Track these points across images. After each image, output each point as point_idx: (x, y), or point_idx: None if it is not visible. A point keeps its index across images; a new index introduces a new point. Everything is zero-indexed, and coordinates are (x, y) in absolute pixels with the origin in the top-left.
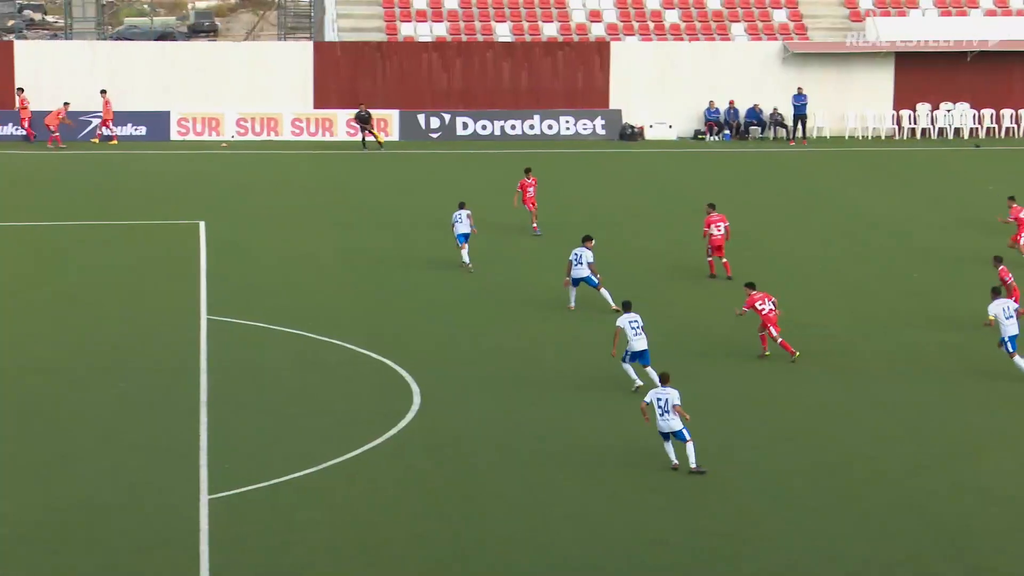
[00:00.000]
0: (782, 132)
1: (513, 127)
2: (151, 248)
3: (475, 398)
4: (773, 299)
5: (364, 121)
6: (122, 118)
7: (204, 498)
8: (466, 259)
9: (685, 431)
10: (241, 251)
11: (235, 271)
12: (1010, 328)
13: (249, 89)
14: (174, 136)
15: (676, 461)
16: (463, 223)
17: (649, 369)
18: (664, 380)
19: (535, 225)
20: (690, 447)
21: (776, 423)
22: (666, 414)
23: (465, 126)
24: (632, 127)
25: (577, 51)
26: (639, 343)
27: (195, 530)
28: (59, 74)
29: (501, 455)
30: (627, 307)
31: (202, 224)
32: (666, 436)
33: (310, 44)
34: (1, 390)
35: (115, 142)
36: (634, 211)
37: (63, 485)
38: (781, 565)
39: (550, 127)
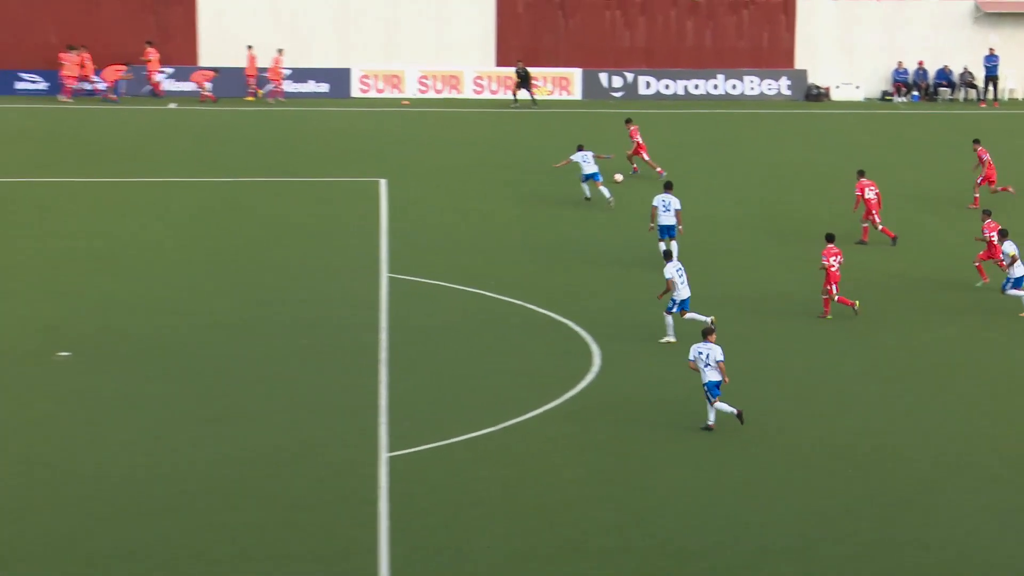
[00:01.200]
0: (972, 93)
1: (696, 87)
2: (333, 205)
3: (655, 361)
4: (841, 259)
5: (522, 78)
6: (304, 75)
7: (383, 455)
8: (607, 195)
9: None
10: (421, 209)
11: (415, 229)
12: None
13: (431, 46)
14: (355, 93)
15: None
16: (589, 163)
17: (690, 314)
18: (708, 334)
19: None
20: (721, 405)
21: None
22: (709, 366)
23: (648, 85)
24: (818, 88)
25: (762, 9)
26: (684, 291)
27: (373, 487)
28: (241, 29)
29: (680, 420)
30: (668, 256)
31: (383, 182)
32: (711, 390)
33: (492, 1)
34: (185, 345)
35: (251, 99)
36: (818, 172)
37: (244, 439)
38: None
39: (734, 87)
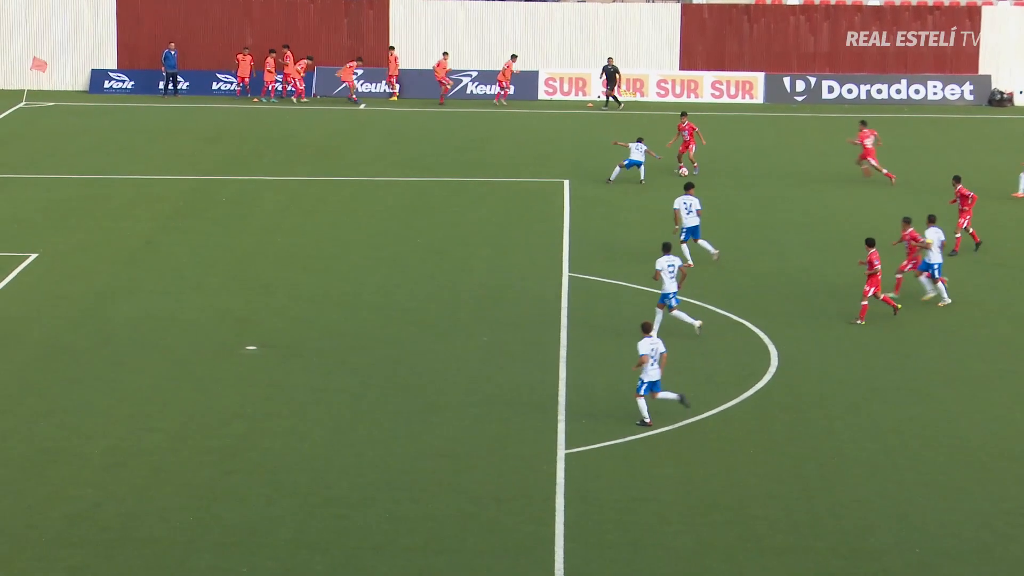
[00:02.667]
0: None
1: (879, 91)
2: (517, 205)
3: (833, 362)
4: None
5: (611, 76)
6: (491, 77)
7: (561, 452)
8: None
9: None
10: (604, 209)
11: (597, 229)
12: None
13: (616, 50)
14: (541, 96)
15: (647, 415)
16: (639, 152)
17: (676, 312)
18: (648, 330)
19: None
20: (667, 393)
21: None
22: (655, 363)
23: (831, 90)
24: (1001, 93)
25: (947, 15)
26: (671, 286)
27: (552, 483)
28: (431, 32)
29: (859, 419)
30: (667, 248)
31: (566, 183)
32: (651, 387)
33: (677, 6)
34: (371, 340)
35: (394, 98)
36: (998, 177)
37: (427, 434)
38: None
39: (917, 92)
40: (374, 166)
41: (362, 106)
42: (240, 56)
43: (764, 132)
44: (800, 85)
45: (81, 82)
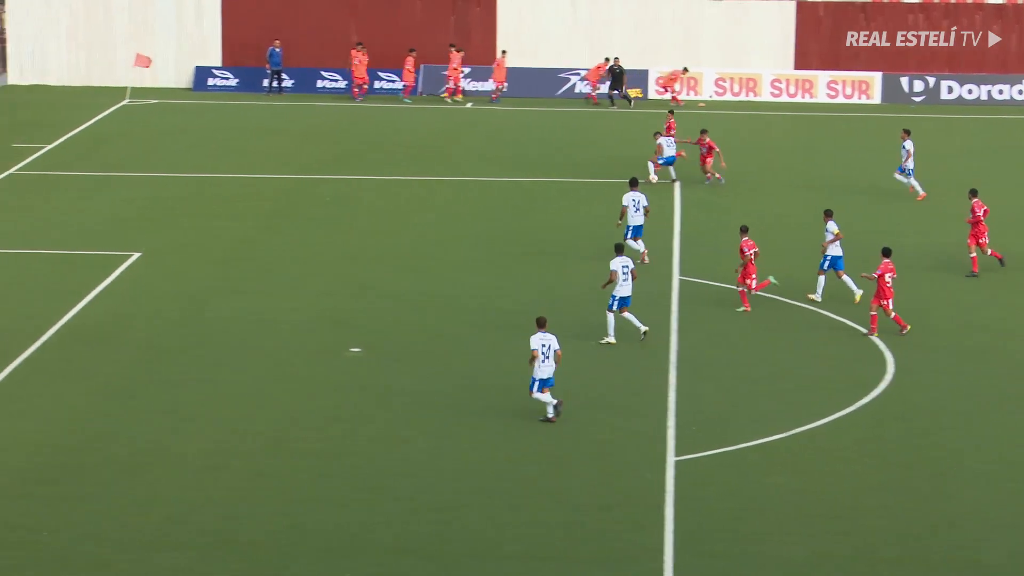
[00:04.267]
0: None
1: (1001, 92)
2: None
3: (949, 371)
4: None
5: (616, 77)
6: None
7: (671, 459)
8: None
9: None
10: (714, 213)
11: (708, 233)
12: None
13: (728, 48)
14: (651, 95)
15: (553, 405)
16: (671, 147)
17: (627, 314)
18: (542, 324)
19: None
20: (549, 395)
21: None
22: (547, 360)
23: (950, 90)
24: None
25: None
26: (626, 288)
27: (660, 491)
28: (539, 29)
29: (974, 429)
30: (619, 250)
31: (677, 184)
32: (543, 383)
33: (792, 4)
34: (472, 342)
35: (459, 97)
36: None
37: (533, 438)
38: None
39: None
40: (477, 165)
41: (469, 105)
42: (354, 53)
43: (880, 133)
44: (918, 85)
45: (185, 79)
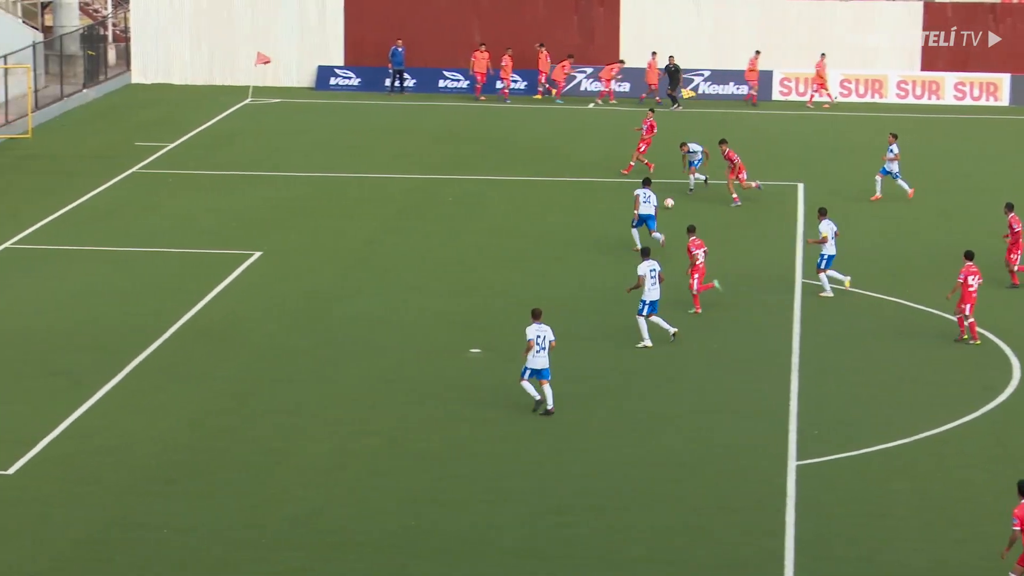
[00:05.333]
0: None
1: None
2: (749, 208)
3: None
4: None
5: (673, 76)
6: (724, 76)
7: (792, 463)
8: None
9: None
10: (838, 214)
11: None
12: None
13: (853, 49)
14: (776, 96)
15: (539, 396)
16: (696, 153)
17: (655, 318)
18: (537, 316)
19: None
20: (549, 387)
21: None
22: (542, 350)
23: None
24: None
25: None
26: (655, 292)
27: (782, 495)
28: (662, 29)
29: None
30: (645, 254)
31: (800, 186)
32: (535, 373)
33: (919, 4)
34: (594, 346)
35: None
36: None
37: (654, 442)
38: None
39: None
40: (599, 167)
41: (591, 105)
42: (477, 53)
43: (1008, 136)
44: None
45: (307, 79)
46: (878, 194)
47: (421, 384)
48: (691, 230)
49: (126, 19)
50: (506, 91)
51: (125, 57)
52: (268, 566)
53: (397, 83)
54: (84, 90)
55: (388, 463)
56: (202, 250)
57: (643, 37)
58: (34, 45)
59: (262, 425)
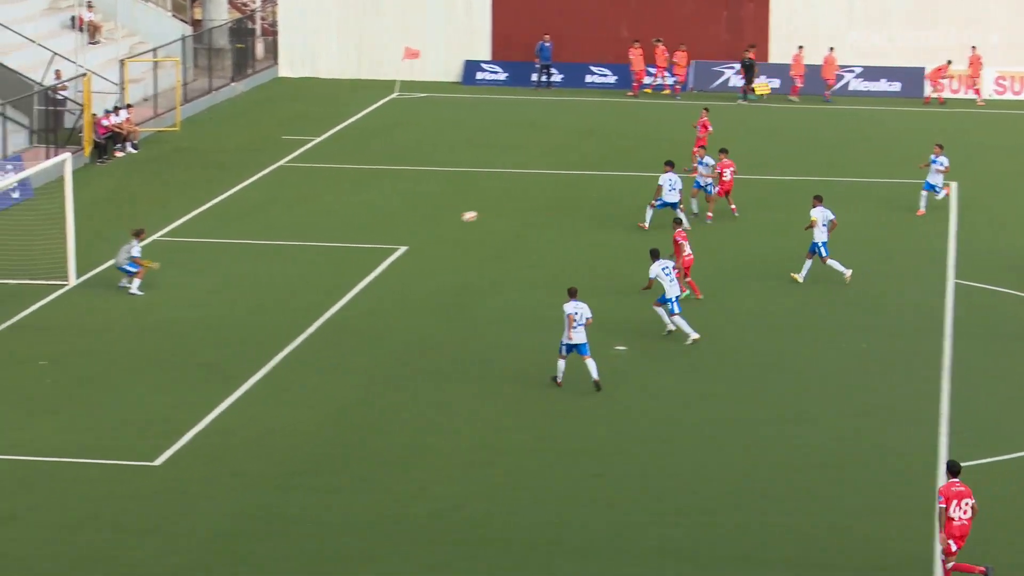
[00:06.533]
0: None
1: None
2: (898, 207)
3: None
4: None
5: (749, 69)
6: (876, 73)
7: (943, 467)
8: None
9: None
10: (992, 214)
11: (985, 235)
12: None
13: (1010, 45)
14: (928, 93)
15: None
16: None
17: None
18: (573, 294)
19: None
20: (591, 361)
21: None
22: (580, 326)
23: None
24: None
25: None
26: (673, 289)
27: (931, 499)
28: (812, 24)
29: None
30: (655, 255)
31: (953, 184)
32: (570, 349)
33: None
34: (739, 345)
35: (666, 91)
36: None
37: (800, 443)
38: None
39: None
40: (746, 162)
41: (740, 102)
42: (632, 49)
43: None
44: None
45: (453, 73)
46: (922, 209)
47: (566, 381)
48: (677, 222)
49: (274, 13)
50: (677, 87)
51: (273, 51)
52: (409, 561)
53: (543, 78)
54: (232, 83)
55: (533, 460)
56: (348, 244)
57: (792, 32)
58: (183, 39)
59: (404, 419)
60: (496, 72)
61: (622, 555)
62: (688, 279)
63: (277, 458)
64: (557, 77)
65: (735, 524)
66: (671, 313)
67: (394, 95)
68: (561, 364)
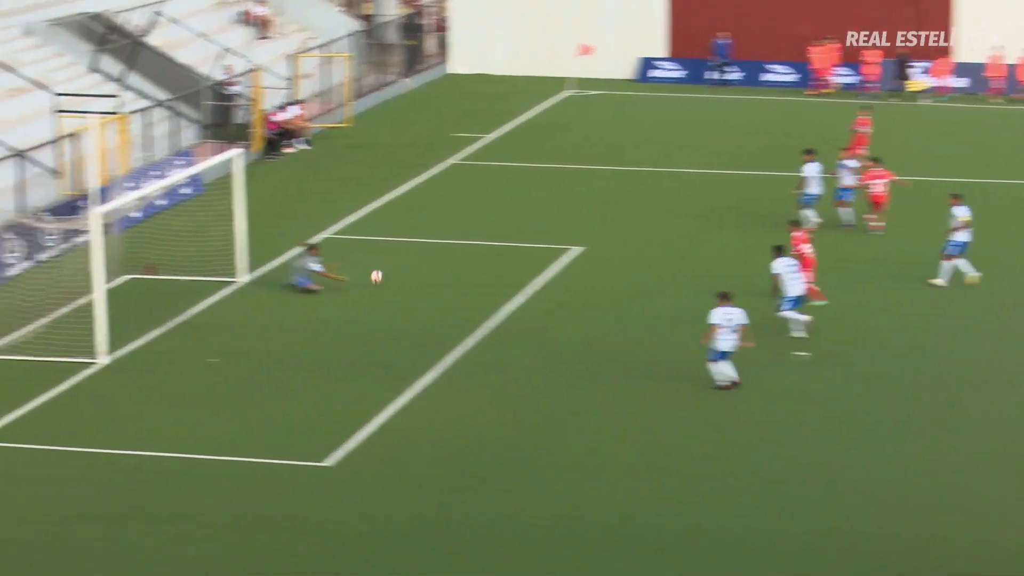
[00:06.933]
0: None
1: None
2: None
3: None
4: None
5: (900, 66)
6: None
7: None
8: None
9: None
10: None
11: None
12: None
13: None
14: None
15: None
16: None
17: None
18: (726, 298)
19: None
20: (731, 363)
21: None
22: (733, 333)
23: None
24: None
25: None
26: (797, 287)
27: None
28: (999, 20)
29: None
30: (780, 251)
31: None
32: (724, 355)
33: None
34: (915, 346)
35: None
36: None
37: (952, 446)
38: None
39: None
40: (924, 164)
41: (925, 101)
42: (812, 48)
43: None
44: None
45: (628, 70)
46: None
47: (744, 387)
48: (794, 224)
49: (445, 8)
50: (866, 87)
51: (443, 47)
52: (584, 569)
53: (720, 76)
54: (403, 79)
55: (706, 466)
56: (522, 244)
57: (978, 29)
58: (354, 34)
59: (578, 422)
60: (672, 69)
61: (751, 558)
62: (810, 283)
63: (449, 460)
64: (734, 75)
65: (881, 531)
66: (779, 309)
67: (568, 92)
68: (722, 366)
